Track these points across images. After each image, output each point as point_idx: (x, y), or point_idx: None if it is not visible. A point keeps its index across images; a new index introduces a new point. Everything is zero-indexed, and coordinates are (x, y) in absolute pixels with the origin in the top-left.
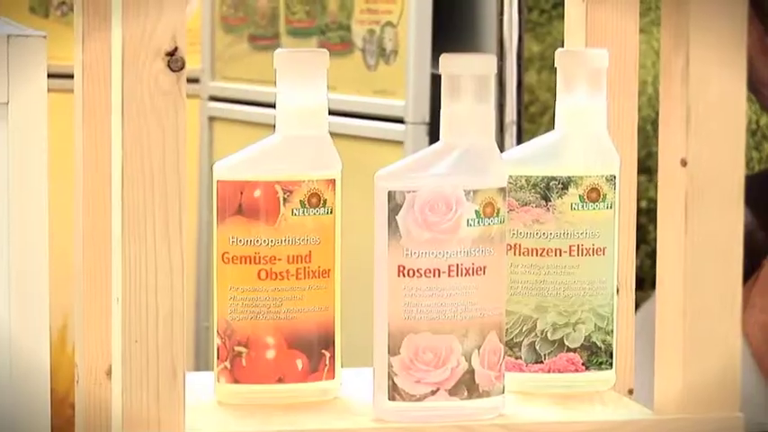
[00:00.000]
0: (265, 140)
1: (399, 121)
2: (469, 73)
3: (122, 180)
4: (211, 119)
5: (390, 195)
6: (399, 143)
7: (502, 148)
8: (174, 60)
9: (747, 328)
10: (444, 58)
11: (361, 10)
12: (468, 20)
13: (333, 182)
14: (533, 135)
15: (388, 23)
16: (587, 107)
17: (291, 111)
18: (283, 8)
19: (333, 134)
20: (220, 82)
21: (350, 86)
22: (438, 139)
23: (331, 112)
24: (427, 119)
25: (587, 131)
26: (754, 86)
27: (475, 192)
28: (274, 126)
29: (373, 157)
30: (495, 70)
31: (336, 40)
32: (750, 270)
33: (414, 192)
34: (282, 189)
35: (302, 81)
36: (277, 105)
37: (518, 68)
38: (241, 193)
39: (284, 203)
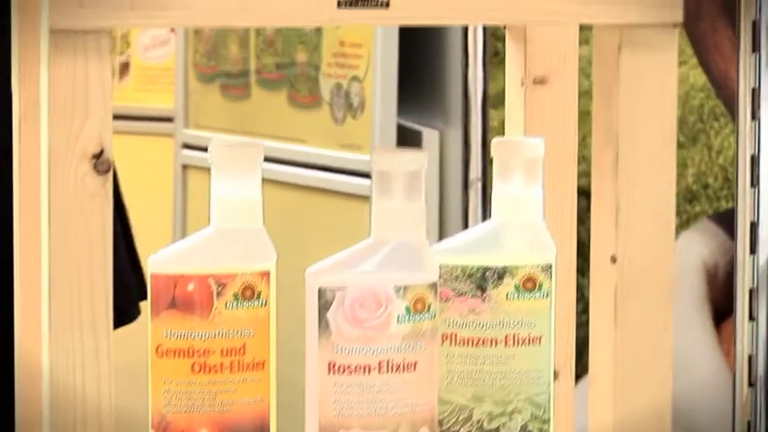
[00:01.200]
0: (199, 233)
1: (366, 175)
2: (400, 170)
3: (49, 284)
4: (185, 167)
5: (321, 292)
6: (366, 198)
7: (466, 207)
8: (100, 162)
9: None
10: (375, 155)
11: (329, 64)
12: (434, 72)
13: (267, 274)
14: None
15: (355, 78)
16: (523, 196)
17: (226, 204)
18: (254, 59)
19: (300, 187)
20: (193, 130)
21: (318, 140)
22: None
23: (299, 165)
24: None
25: (523, 221)
26: (717, 81)
27: (405, 288)
28: None
29: (340, 212)
30: (425, 166)
31: (305, 92)
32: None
33: (343, 289)
34: (216, 282)
35: (237, 174)
36: (211, 198)
37: (483, 123)
38: (175, 286)
39: (218, 297)
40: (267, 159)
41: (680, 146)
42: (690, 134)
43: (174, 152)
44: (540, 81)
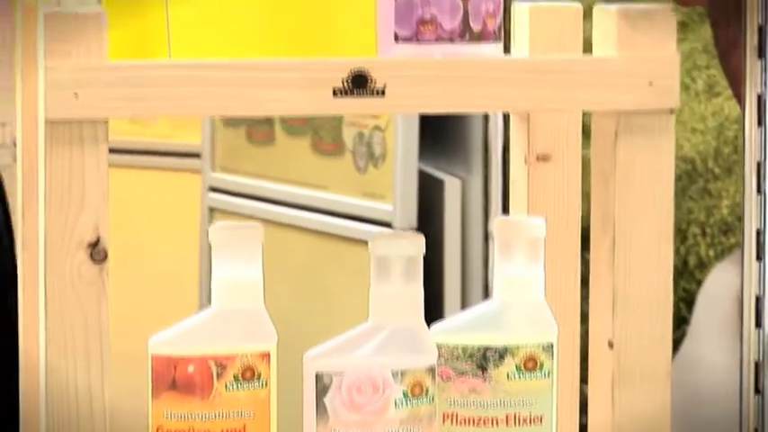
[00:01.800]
0: (200, 314)
1: (387, 225)
2: (398, 254)
3: (46, 374)
4: (212, 209)
5: (318, 377)
6: None
7: (487, 255)
8: (96, 251)
9: None
10: (372, 240)
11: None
12: (455, 121)
13: (267, 355)
14: None
15: (377, 127)
16: (524, 276)
17: (226, 285)
18: None
19: (322, 233)
20: (220, 173)
21: (340, 187)
22: (426, 246)
23: (321, 212)
24: (414, 224)
25: (524, 300)
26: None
27: (403, 372)
28: (273, 222)
29: (361, 260)
30: (423, 251)
31: (329, 140)
32: None
33: (341, 373)
34: (216, 364)
35: (237, 255)
36: (212, 278)
37: (503, 172)
38: (175, 368)
39: (218, 378)
40: (290, 205)
41: (715, 177)
42: (725, 165)
43: (200, 195)
44: (543, 158)
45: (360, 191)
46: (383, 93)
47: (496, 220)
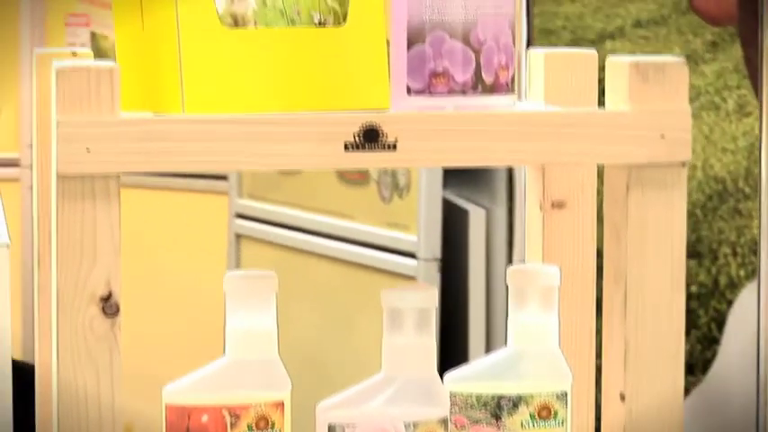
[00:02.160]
0: (214, 363)
1: (411, 255)
2: (410, 306)
3: (59, 425)
4: (238, 236)
5: (331, 428)
6: (412, 279)
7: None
8: (108, 306)
9: None
10: (385, 293)
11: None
12: None
13: (281, 404)
14: None
15: None
16: (539, 324)
17: (240, 334)
18: None
19: (345, 262)
20: (247, 200)
21: (365, 216)
22: (450, 276)
23: (345, 240)
24: (438, 255)
25: (539, 348)
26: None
27: (415, 424)
28: (297, 250)
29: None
30: (436, 303)
31: (354, 169)
32: None
33: (353, 425)
34: (230, 413)
35: (251, 305)
36: (226, 328)
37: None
38: (189, 417)
39: (232, 428)
40: (315, 233)
41: (745, 197)
42: (755, 185)
43: (228, 221)
44: (558, 205)
45: (384, 221)
46: (394, 147)
47: (510, 269)
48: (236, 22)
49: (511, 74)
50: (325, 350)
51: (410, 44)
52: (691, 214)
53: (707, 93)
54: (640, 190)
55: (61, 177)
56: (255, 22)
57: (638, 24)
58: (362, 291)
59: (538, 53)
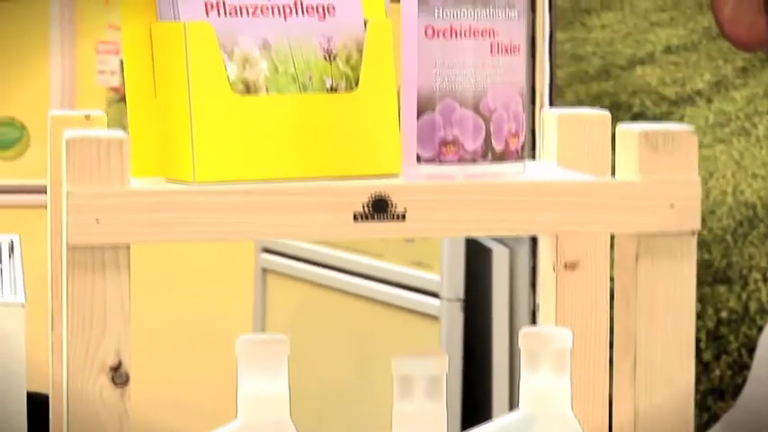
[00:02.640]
0: (226, 427)
1: (434, 295)
2: (421, 374)
3: None
4: (264, 270)
5: None
6: (435, 318)
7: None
8: (118, 375)
9: None
10: (395, 360)
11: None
12: None
13: None
14: None
15: None
16: (551, 387)
17: (252, 398)
18: None
19: (370, 299)
20: None
21: (389, 255)
22: (474, 315)
23: (369, 278)
24: (461, 295)
25: (551, 411)
26: None
27: None
28: (322, 286)
29: (407, 328)
30: (446, 370)
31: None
32: None
33: None
34: None
35: (263, 369)
36: (238, 392)
37: None
38: None
39: None
40: (339, 270)
41: None
42: None
43: (254, 255)
44: (571, 266)
45: (409, 260)
46: (403, 217)
47: (522, 331)
48: (248, 88)
49: (521, 141)
50: (346, 386)
51: (420, 112)
52: (721, 240)
53: (737, 118)
54: (650, 259)
55: (71, 248)
56: (267, 89)
57: (668, 50)
58: (385, 329)
59: (552, 114)
